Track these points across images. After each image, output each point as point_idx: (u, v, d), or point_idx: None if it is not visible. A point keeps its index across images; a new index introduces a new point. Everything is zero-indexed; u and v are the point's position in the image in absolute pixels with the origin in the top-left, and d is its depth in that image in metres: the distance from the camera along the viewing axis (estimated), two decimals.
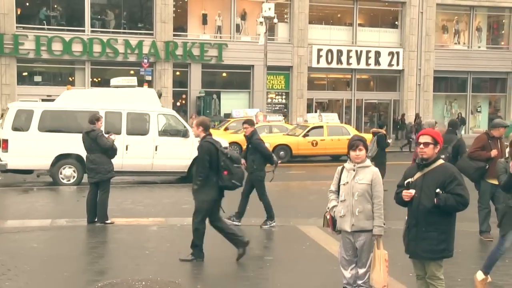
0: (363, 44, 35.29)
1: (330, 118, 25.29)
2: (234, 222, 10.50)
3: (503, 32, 39.06)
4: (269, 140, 22.89)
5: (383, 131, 15.15)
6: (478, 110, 38.66)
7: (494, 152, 9.41)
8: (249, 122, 10.92)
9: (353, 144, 6.24)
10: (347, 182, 6.21)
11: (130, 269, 7.85)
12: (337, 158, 23.80)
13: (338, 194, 6.31)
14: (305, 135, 23.62)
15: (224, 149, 8.19)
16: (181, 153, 16.28)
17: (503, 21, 38.76)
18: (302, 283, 7.36)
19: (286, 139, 23.78)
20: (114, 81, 17.93)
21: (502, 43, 38.86)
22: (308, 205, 13.10)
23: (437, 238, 5.66)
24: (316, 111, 35.35)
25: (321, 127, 24.13)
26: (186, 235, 10.06)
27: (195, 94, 32.52)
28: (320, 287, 7.20)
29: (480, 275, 6.99)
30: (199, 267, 8.07)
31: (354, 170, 6.22)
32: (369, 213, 6.13)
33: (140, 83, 29.98)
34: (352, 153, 6.25)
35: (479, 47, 38.36)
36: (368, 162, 6.31)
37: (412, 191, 5.71)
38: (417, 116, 34.88)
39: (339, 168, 6.40)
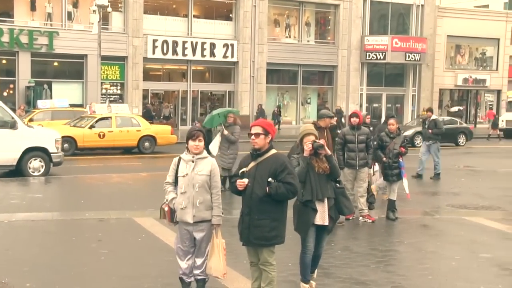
0: (199, 35, 35.53)
1: (120, 109, 24.59)
2: None
3: (329, 27, 41.31)
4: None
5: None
6: (308, 101, 40.65)
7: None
8: None
9: (193, 134, 6.22)
10: (187, 174, 6.20)
11: None
12: (129, 151, 23.45)
13: (175, 185, 6.32)
14: (92, 127, 22.51)
15: None
16: (9, 146, 15.34)
17: (329, 17, 40.98)
18: (138, 275, 7.30)
19: (70, 130, 22.34)
20: None
21: (329, 38, 41.09)
22: (145, 197, 12.97)
23: (269, 225, 5.86)
24: (152, 102, 35.16)
25: (109, 118, 23.14)
26: (15, 231, 9.58)
27: (24, 83, 30.81)
28: (156, 278, 7.18)
29: (302, 286, 6.70)
30: (29, 265, 7.70)
31: (193, 162, 6.21)
32: (208, 203, 6.21)
33: None
34: (191, 143, 6.22)
35: (308, 41, 40.28)
36: (205, 153, 6.34)
37: (246, 180, 5.87)
38: (279, 107, 35.89)
39: (176, 159, 6.37)
